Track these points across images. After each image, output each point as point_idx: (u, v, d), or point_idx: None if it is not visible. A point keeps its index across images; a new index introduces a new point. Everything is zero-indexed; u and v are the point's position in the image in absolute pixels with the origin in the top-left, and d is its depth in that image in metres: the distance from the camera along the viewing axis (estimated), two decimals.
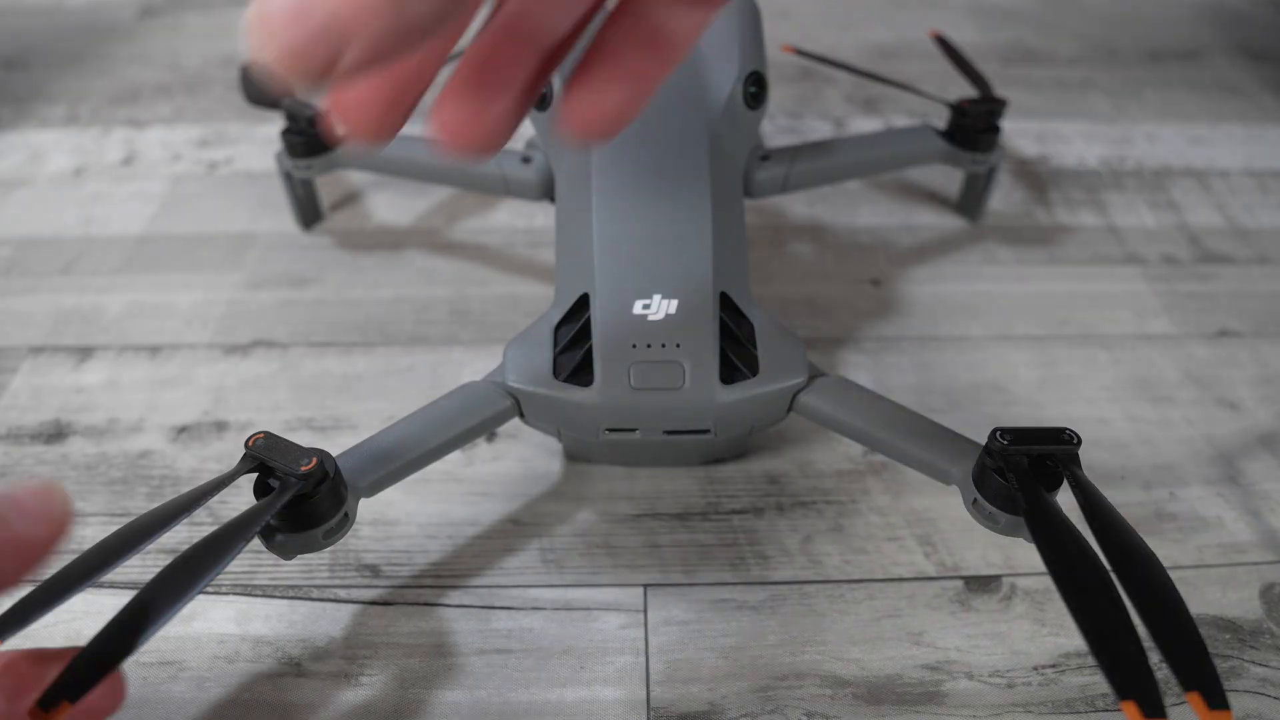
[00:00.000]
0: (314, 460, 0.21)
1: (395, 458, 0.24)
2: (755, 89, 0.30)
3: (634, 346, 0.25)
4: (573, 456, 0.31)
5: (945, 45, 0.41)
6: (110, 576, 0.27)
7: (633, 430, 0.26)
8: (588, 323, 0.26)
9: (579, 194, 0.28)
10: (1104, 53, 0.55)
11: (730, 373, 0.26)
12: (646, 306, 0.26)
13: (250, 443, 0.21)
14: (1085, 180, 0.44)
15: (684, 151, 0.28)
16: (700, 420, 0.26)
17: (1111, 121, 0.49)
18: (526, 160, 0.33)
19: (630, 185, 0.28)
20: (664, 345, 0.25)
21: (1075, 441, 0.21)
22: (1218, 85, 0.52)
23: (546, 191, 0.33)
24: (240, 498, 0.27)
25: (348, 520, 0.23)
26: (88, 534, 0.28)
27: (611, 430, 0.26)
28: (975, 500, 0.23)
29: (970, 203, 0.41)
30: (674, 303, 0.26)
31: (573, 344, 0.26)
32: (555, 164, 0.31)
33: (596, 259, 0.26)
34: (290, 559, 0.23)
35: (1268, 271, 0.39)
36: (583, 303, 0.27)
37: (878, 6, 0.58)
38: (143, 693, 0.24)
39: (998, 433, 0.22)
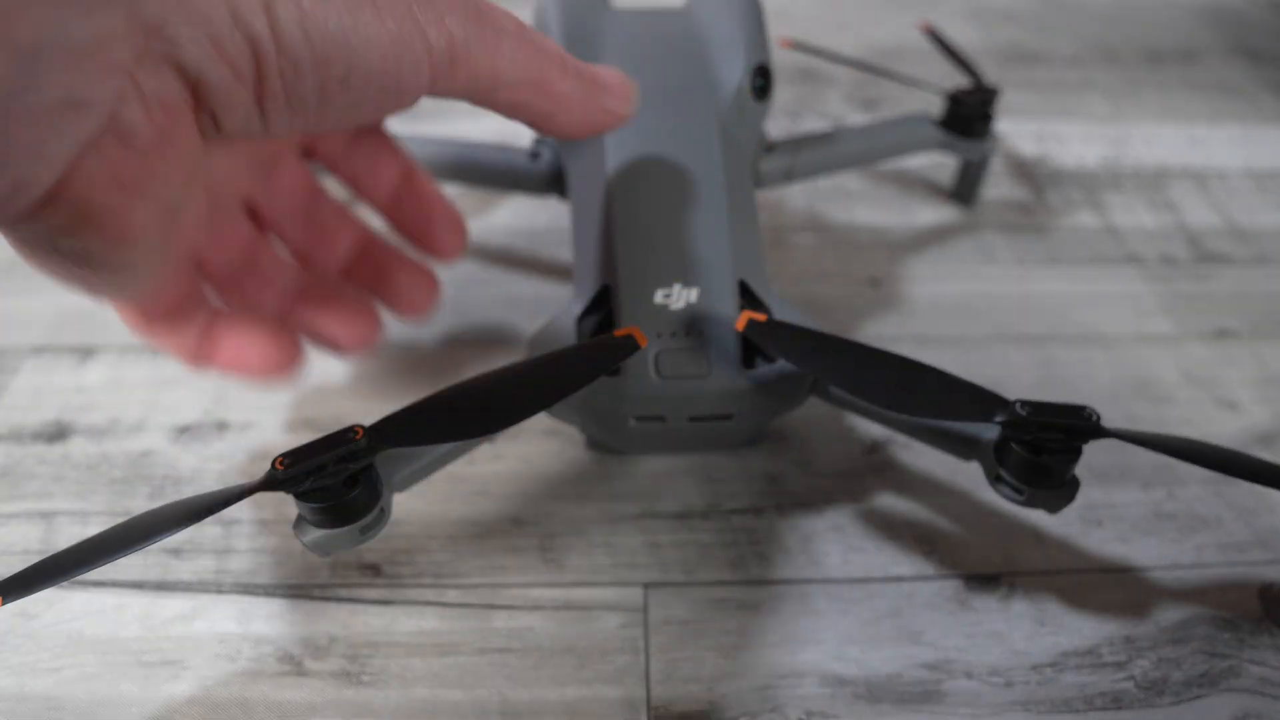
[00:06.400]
0: (358, 428, 0.21)
1: (427, 453, 0.24)
2: (762, 81, 0.30)
3: (658, 335, 0.26)
4: (594, 447, 0.31)
5: (936, 37, 0.41)
6: (111, 576, 0.27)
7: (661, 418, 0.26)
8: (610, 314, 0.26)
9: (593, 187, 0.29)
10: (1103, 53, 0.55)
11: (752, 358, 0.26)
12: (667, 296, 0.26)
13: (279, 465, 0.21)
14: (1084, 180, 0.44)
15: (697, 142, 0.28)
16: (725, 406, 0.26)
17: (1110, 122, 0.49)
18: (535, 155, 0.33)
19: (646, 177, 0.28)
20: (687, 334, 0.26)
21: (1095, 418, 0.22)
22: (1216, 86, 0.52)
23: (554, 185, 0.33)
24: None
25: (384, 516, 0.23)
26: (89, 534, 0.28)
27: (639, 419, 0.26)
28: (999, 476, 0.23)
29: (965, 189, 0.42)
30: (694, 291, 0.26)
31: (597, 335, 0.26)
32: (566, 158, 0.31)
33: (617, 251, 0.27)
34: (326, 557, 0.22)
35: (1266, 272, 0.39)
36: (604, 294, 0.27)
37: (876, 7, 0.59)
38: (144, 692, 0.25)
39: (1017, 404, 0.22)
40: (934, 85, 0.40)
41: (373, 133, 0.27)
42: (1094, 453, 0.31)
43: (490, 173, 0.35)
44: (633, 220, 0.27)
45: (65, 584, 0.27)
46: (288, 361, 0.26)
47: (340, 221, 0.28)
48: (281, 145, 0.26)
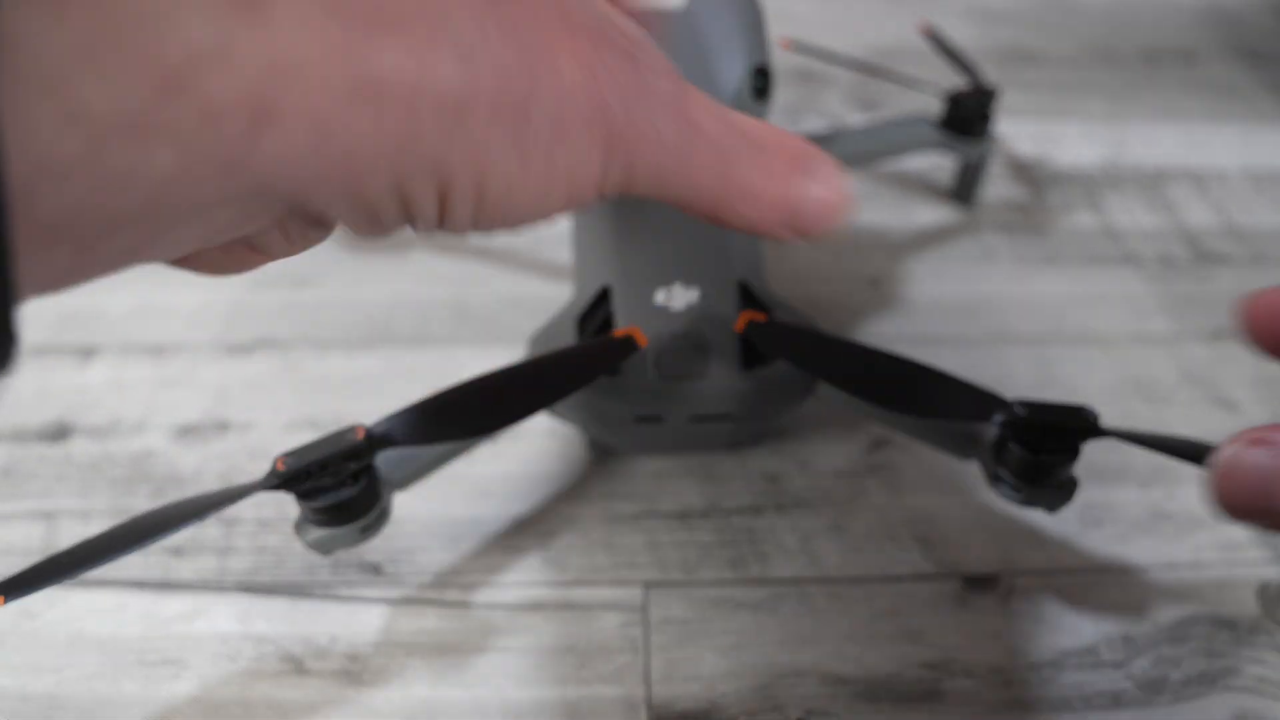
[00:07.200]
0: (359, 428, 0.21)
1: (427, 453, 0.24)
2: (762, 81, 0.30)
3: (658, 335, 0.26)
4: (596, 446, 0.31)
5: (935, 38, 0.41)
6: (112, 575, 0.27)
7: (661, 418, 0.26)
8: (610, 314, 0.26)
9: None
10: (1101, 54, 0.55)
11: (752, 359, 0.26)
12: (667, 296, 0.26)
13: (280, 465, 0.21)
14: (1083, 181, 0.44)
15: None
16: (725, 406, 0.26)
17: (1109, 122, 0.49)
18: None
19: None
20: (687, 333, 0.26)
21: (1095, 418, 0.23)
22: (1215, 87, 0.52)
23: None
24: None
25: (384, 515, 0.23)
26: (91, 533, 0.28)
27: (639, 419, 0.26)
28: (997, 475, 0.23)
29: (964, 189, 0.42)
30: (694, 291, 0.26)
31: (597, 335, 0.26)
32: None
33: (616, 251, 0.27)
34: (327, 556, 0.23)
35: (1265, 272, 0.39)
36: (604, 295, 0.27)
37: (876, 7, 0.59)
38: (145, 691, 0.25)
39: (1016, 404, 0.22)
40: (933, 85, 0.40)
41: None
42: (1093, 452, 0.31)
43: None
44: (633, 220, 0.27)
45: (66, 583, 0.27)
46: None
47: None
48: None
